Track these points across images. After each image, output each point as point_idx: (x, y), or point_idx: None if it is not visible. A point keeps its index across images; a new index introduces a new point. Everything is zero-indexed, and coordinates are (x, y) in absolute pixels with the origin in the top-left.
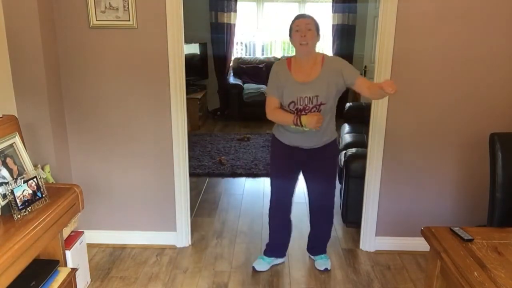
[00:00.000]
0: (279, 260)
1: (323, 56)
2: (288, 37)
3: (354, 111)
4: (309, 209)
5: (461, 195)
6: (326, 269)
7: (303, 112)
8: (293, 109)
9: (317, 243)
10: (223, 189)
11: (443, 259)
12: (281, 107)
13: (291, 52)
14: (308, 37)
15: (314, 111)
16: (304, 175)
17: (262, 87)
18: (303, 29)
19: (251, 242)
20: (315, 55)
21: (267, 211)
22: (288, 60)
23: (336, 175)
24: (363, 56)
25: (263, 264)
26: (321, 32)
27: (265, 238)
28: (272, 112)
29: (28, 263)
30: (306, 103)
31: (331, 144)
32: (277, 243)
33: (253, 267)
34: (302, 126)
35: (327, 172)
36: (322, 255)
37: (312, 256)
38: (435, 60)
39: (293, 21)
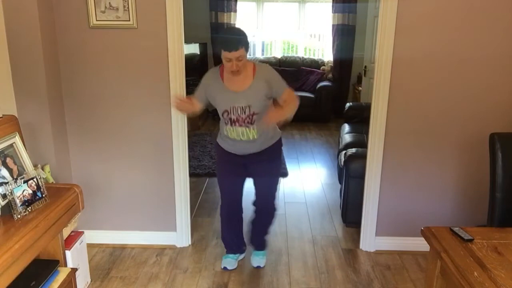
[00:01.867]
0: (242, 256)
1: (254, 65)
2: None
3: (354, 111)
4: (254, 206)
5: (461, 195)
6: (258, 267)
7: (237, 123)
8: (227, 119)
9: (256, 239)
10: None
11: (443, 259)
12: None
13: (291, 52)
14: (239, 65)
15: (248, 121)
16: (251, 175)
17: None
18: (234, 60)
19: None
20: (247, 64)
21: None
22: (220, 68)
23: (279, 175)
24: (363, 56)
25: (232, 261)
26: (249, 47)
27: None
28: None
29: (28, 263)
30: (239, 113)
31: (274, 145)
32: (234, 242)
33: (225, 267)
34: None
35: (271, 172)
36: (261, 252)
37: (252, 250)
38: (435, 60)
39: (224, 50)
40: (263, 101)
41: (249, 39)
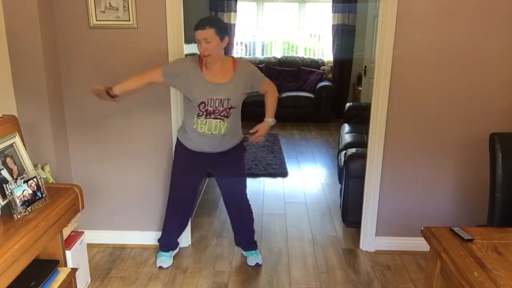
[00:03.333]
0: (175, 251)
1: (234, 59)
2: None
3: (354, 111)
4: (226, 209)
5: (461, 195)
6: (257, 264)
7: (212, 115)
8: (203, 110)
9: (243, 240)
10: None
11: (443, 259)
12: (189, 107)
13: (291, 52)
14: (208, 48)
15: (224, 114)
16: (214, 176)
17: None
18: (201, 41)
19: None
20: (223, 59)
21: (267, 211)
22: (199, 59)
23: (245, 174)
24: (363, 56)
25: (167, 260)
26: (231, 32)
27: (265, 238)
28: (135, 76)
29: (28, 263)
30: (217, 105)
31: (238, 145)
32: (173, 239)
33: (160, 267)
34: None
35: (237, 172)
36: (253, 251)
37: (243, 252)
38: (435, 60)
39: (195, 30)
40: (241, 95)
41: (224, 26)
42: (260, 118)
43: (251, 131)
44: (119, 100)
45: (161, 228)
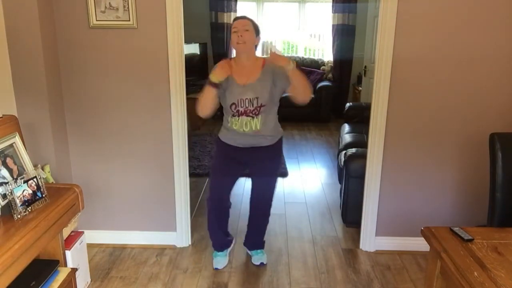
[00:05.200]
0: (230, 247)
1: (264, 59)
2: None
3: (354, 111)
4: (250, 205)
5: (461, 195)
6: (262, 264)
7: (244, 115)
8: (234, 111)
9: (253, 239)
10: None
11: (443, 259)
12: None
13: (291, 52)
14: (245, 36)
15: (255, 113)
16: (249, 172)
17: None
18: (240, 29)
19: None
20: (255, 58)
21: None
22: (230, 61)
23: (277, 176)
24: (363, 56)
25: (222, 260)
26: (260, 35)
27: (265, 238)
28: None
29: (28, 263)
30: (247, 105)
31: (276, 144)
32: (222, 238)
33: (216, 268)
34: (214, 84)
35: (270, 171)
36: (259, 250)
37: (249, 251)
38: (435, 60)
39: (233, 22)
40: (271, 93)
41: (258, 27)
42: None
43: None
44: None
45: (163, 229)
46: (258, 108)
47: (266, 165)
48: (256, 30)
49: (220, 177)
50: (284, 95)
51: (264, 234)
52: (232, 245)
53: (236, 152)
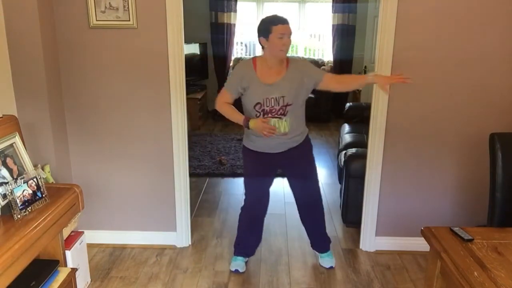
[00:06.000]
0: (249, 258)
1: (288, 59)
2: (259, 37)
3: (354, 111)
4: (297, 207)
5: (461, 195)
6: (331, 267)
7: (269, 114)
8: (259, 111)
9: (315, 240)
10: (223, 189)
11: (443, 259)
12: (241, 107)
13: (291, 52)
14: (287, 44)
15: (281, 113)
16: (286, 176)
17: None
18: (286, 36)
19: None
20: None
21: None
22: (253, 60)
23: (316, 170)
24: (363, 56)
25: (242, 264)
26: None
27: (265, 238)
28: (222, 105)
29: (28, 263)
30: (273, 104)
31: (304, 141)
32: (250, 244)
33: (236, 270)
34: (249, 128)
35: (306, 169)
36: (325, 253)
37: (317, 253)
38: (435, 60)
39: (276, 24)
40: (298, 92)
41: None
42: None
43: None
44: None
45: (164, 229)
46: (284, 107)
47: (302, 163)
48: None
49: (256, 183)
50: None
51: (325, 231)
52: (250, 257)
53: (269, 157)
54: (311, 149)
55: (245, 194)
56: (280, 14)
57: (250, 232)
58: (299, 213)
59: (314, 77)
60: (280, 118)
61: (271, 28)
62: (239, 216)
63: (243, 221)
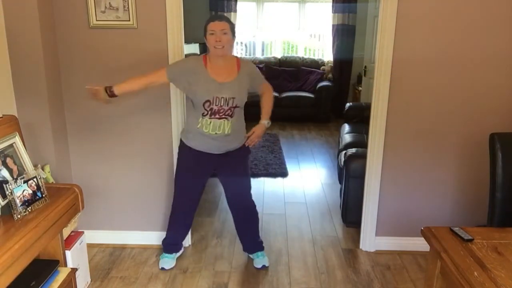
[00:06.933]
0: (179, 253)
1: (238, 59)
2: (204, 37)
3: (354, 111)
4: (231, 210)
5: (461, 195)
6: (263, 266)
7: (217, 115)
8: (208, 109)
9: (249, 242)
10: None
11: (443, 259)
12: (193, 106)
13: (292, 52)
14: (223, 41)
15: (229, 114)
16: (218, 177)
17: None
18: (218, 33)
19: None
20: (231, 57)
21: (267, 211)
22: (203, 57)
23: (249, 174)
24: (363, 56)
25: (170, 261)
26: (236, 33)
27: (265, 238)
28: (139, 76)
29: (28, 263)
30: (222, 104)
31: (242, 146)
32: (177, 241)
33: (162, 268)
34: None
35: (241, 173)
36: (259, 253)
37: (250, 255)
38: (435, 60)
39: (208, 23)
40: (245, 95)
41: (236, 29)
42: (259, 118)
43: (247, 134)
44: (115, 101)
45: (164, 229)
46: (233, 109)
47: (236, 167)
48: (233, 31)
49: (187, 185)
50: (284, 95)
51: (258, 233)
52: (180, 252)
53: (207, 157)
54: (248, 155)
55: (175, 192)
56: (279, 14)
57: (180, 230)
58: (232, 214)
59: (257, 82)
60: (226, 119)
61: (206, 26)
62: (171, 216)
63: (175, 219)
